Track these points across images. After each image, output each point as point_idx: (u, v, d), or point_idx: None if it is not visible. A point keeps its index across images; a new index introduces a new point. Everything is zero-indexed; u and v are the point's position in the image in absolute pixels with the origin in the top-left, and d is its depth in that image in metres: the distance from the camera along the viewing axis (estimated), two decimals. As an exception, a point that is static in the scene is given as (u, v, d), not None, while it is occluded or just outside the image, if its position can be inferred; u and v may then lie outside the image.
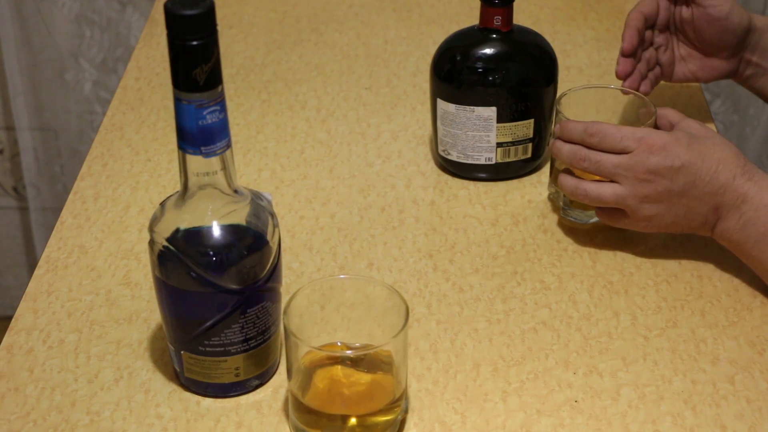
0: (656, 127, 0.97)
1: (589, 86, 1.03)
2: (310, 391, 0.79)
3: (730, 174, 0.89)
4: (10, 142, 1.96)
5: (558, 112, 0.99)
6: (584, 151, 0.93)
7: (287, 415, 0.81)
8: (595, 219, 1.00)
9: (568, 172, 0.97)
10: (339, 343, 0.82)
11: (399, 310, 0.77)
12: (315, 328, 0.81)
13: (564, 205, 1.02)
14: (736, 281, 0.95)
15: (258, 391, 0.84)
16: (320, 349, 0.79)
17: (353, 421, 0.78)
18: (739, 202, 0.89)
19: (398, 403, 0.79)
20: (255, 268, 0.79)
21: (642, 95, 1.01)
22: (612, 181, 0.92)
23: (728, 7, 1.03)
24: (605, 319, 0.91)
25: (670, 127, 0.95)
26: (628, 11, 1.07)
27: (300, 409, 0.79)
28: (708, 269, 0.96)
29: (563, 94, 1.01)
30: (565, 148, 0.95)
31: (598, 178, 0.94)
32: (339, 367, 0.80)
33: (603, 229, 1.01)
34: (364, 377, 0.79)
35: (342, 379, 0.79)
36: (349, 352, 0.81)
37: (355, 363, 0.79)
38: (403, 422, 0.81)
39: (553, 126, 1.09)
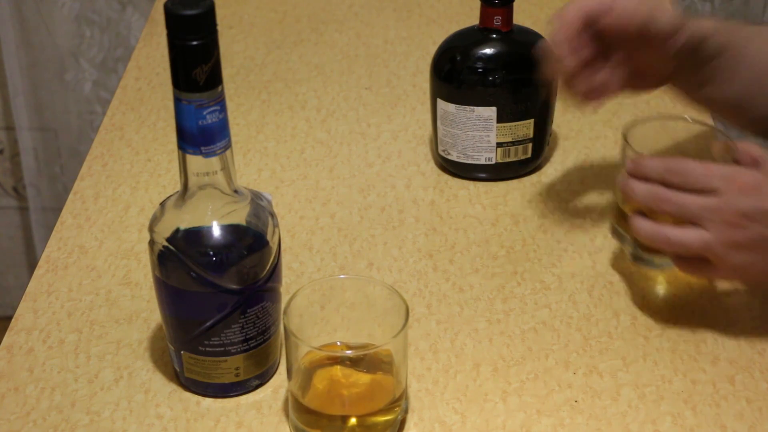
0: (736, 163, 0.85)
1: (656, 117, 0.94)
2: (310, 392, 0.79)
3: None
4: (10, 142, 1.96)
5: (626, 145, 0.90)
6: (665, 192, 0.82)
7: (287, 415, 0.81)
8: (668, 262, 0.88)
9: (641, 214, 0.86)
10: (339, 343, 0.82)
11: (399, 310, 0.77)
12: (315, 328, 0.81)
13: (634, 250, 0.94)
14: (737, 281, 0.95)
15: (258, 391, 0.84)
16: (320, 349, 0.79)
17: (353, 421, 0.78)
18: None
19: (398, 403, 0.79)
20: (255, 268, 0.79)
21: (718, 127, 0.91)
22: (696, 225, 0.81)
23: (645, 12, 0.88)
24: (605, 319, 0.91)
25: (753, 164, 0.83)
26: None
27: (300, 409, 0.79)
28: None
29: (630, 126, 0.92)
30: (642, 188, 0.83)
31: (673, 220, 0.84)
32: (339, 367, 0.80)
33: (603, 229, 1.01)
34: (363, 377, 0.79)
35: (342, 380, 0.79)
36: (348, 352, 0.81)
37: (355, 363, 0.79)
38: (403, 422, 0.81)
39: (549, 126, 1.09)
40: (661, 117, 0.95)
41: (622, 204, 0.93)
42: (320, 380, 0.79)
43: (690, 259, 0.84)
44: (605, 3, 0.89)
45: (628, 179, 0.85)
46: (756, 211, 0.79)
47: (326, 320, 0.81)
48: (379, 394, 0.79)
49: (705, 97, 0.94)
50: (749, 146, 0.84)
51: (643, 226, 0.84)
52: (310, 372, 0.79)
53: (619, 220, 0.94)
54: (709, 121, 0.91)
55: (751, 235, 0.80)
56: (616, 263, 0.97)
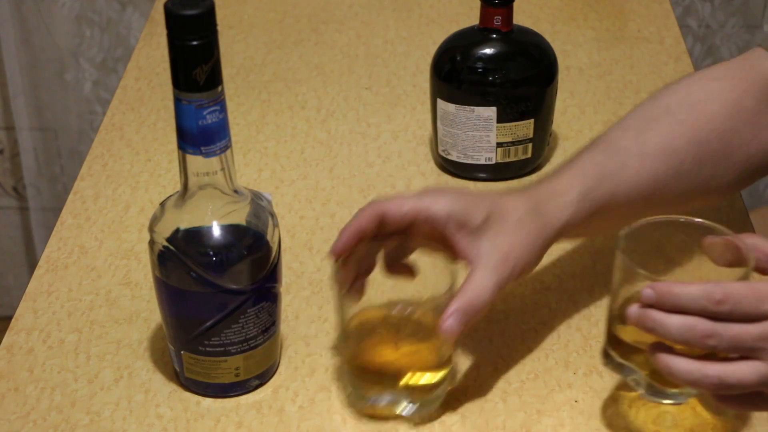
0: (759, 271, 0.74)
1: (652, 220, 0.77)
2: (362, 350, 0.81)
3: None
4: (10, 142, 1.96)
5: (626, 268, 0.73)
6: (708, 325, 0.67)
7: (340, 378, 0.81)
8: (695, 393, 0.77)
9: (664, 347, 0.70)
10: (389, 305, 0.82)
11: (445, 273, 0.78)
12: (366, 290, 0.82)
13: (648, 386, 0.76)
14: (736, 281, 0.95)
15: (258, 391, 0.84)
16: (373, 308, 0.80)
17: (405, 380, 0.80)
18: None
19: (447, 364, 0.81)
20: (255, 268, 0.79)
21: (722, 227, 0.75)
22: (749, 357, 0.68)
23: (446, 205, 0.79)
24: (605, 319, 0.91)
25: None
26: (628, 11, 1.07)
27: (353, 369, 0.81)
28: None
29: (625, 234, 0.75)
30: (676, 323, 0.68)
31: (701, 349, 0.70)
32: (389, 326, 0.81)
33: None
34: (414, 338, 0.80)
35: (393, 339, 0.80)
36: (398, 307, 0.81)
37: (405, 323, 0.80)
38: (449, 382, 0.83)
39: (549, 126, 1.09)
40: (657, 219, 0.77)
41: (621, 330, 0.75)
42: (372, 339, 0.81)
43: (739, 396, 0.70)
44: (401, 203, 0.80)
45: (650, 311, 0.69)
46: None
47: (376, 282, 0.81)
48: (429, 355, 0.80)
49: (588, 236, 0.95)
50: (759, 242, 0.72)
51: (681, 366, 0.68)
52: (361, 332, 0.80)
53: (617, 347, 0.76)
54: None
55: None
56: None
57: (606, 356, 0.77)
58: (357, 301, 0.81)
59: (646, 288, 0.69)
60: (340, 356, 0.85)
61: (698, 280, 0.73)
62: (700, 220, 0.76)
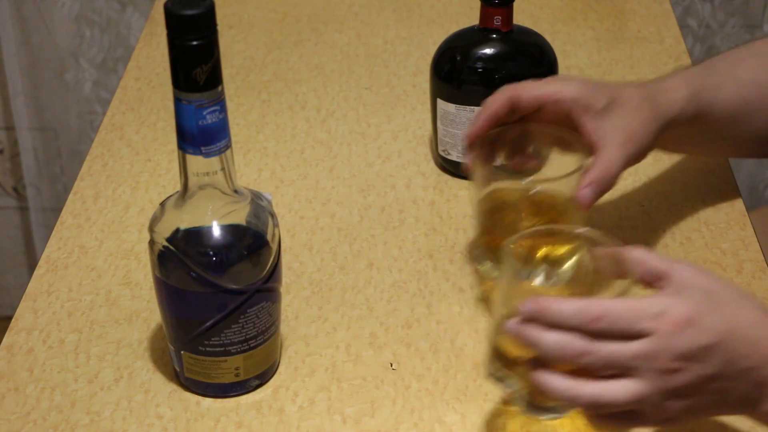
0: (642, 283, 0.73)
1: (538, 229, 0.78)
2: (497, 228, 0.88)
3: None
4: (10, 142, 1.96)
5: (509, 279, 0.72)
6: (583, 343, 0.66)
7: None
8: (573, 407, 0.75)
9: (542, 363, 0.69)
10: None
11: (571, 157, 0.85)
12: None
13: (528, 403, 0.75)
14: (736, 281, 0.95)
15: (258, 391, 0.84)
16: (503, 189, 0.88)
17: (539, 254, 0.80)
18: None
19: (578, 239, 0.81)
20: (255, 268, 0.79)
21: (609, 238, 0.75)
22: (625, 376, 0.67)
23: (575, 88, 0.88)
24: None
25: (653, 278, 0.71)
26: (628, 11, 1.07)
27: (485, 247, 0.88)
28: (708, 269, 0.96)
29: (511, 243, 0.74)
30: (552, 340, 0.67)
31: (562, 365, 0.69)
32: (522, 204, 0.88)
33: (603, 228, 1.01)
34: (546, 215, 0.87)
35: (526, 217, 0.88)
36: (530, 184, 0.88)
37: (538, 201, 0.88)
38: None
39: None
40: (538, 228, 0.79)
41: (503, 343, 0.73)
42: (507, 218, 0.89)
43: (613, 414, 0.69)
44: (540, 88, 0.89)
45: (528, 326, 0.68)
46: (694, 351, 0.67)
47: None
48: (560, 233, 0.81)
49: (682, 150, 1.03)
50: (643, 256, 0.71)
51: (557, 384, 0.68)
52: (496, 211, 0.89)
53: (499, 361, 0.74)
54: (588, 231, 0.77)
55: (689, 378, 0.67)
56: (616, 263, 0.97)
57: (489, 368, 0.76)
58: (488, 183, 0.88)
59: (525, 303, 0.68)
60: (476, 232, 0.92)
61: (586, 291, 0.74)
62: (587, 229, 0.76)
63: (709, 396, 0.68)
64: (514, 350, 0.71)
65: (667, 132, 0.91)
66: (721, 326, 0.67)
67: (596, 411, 0.69)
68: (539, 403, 0.74)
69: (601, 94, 0.88)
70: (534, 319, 0.67)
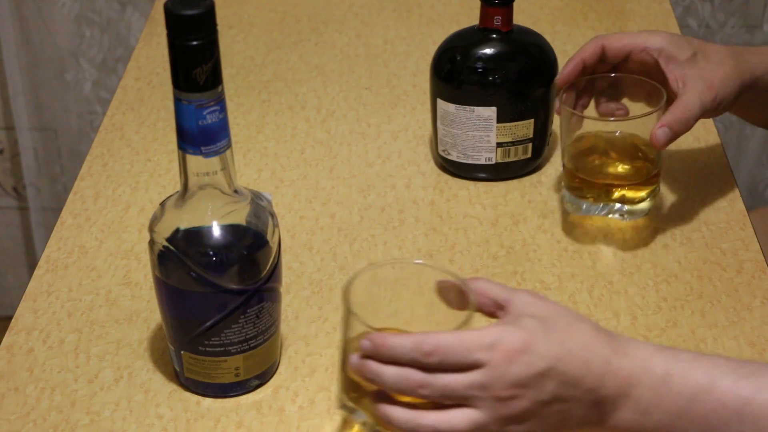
0: (480, 311, 0.75)
1: (380, 264, 0.78)
2: (582, 168, 0.98)
3: (601, 359, 0.70)
4: (10, 142, 1.96)
5: (350, 315, 0.72)
6: (420, 375, 0.68)
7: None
8: None
9: (385, 395, 0.71)
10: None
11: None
12: None
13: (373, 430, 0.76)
14: (736, 281, 0.95)
15: (258, 391, 0.84)
16: (590, 134, 0.98)
17: (618, 192, 0.97)
18: (626, 388, 0.70)
19: (654, 180, 0.98)
20: (255, 268, 0.79)
21: (452, 271, 0.77)
22: (463, 405, 0.69)
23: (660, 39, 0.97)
24: (605, 319, 0.91)
25: (495, 307, 0.73)
26: (628, 11, 1.07)
27: (575, 183, 0.98)
28: (708, 269, 0.96)
29: (350, 282, 0.74)
30: (391, 374, 0.69)
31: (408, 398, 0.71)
32: (606, 146, 0.99)
33: (603, 229, 1.01)
34: (628, 156, 0.99)
35: (609, 158, 0.99)
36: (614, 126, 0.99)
37: (619, 143, 0.98)
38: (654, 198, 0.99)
39: (549, 126, 1.09)
40: (388, 263, 0.80)
41: (352, 375, 0.74)
42: (591, 160, 0.99)
43: None
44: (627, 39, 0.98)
45: (368, 362, 0.70)
46: (528, 378, 0.68)
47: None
48: (640, 171, 0.98)
49: (763, 118, 1.06)
50: (484, 285, 0.74)
51: (398, 415, 0.70)
52: (581, 153, 0.99)
53: (349, 393, 0.75)
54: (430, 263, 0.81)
55: (526, 404, 0.69)
56: (616, 263, 0.97)
57: (340, 399, 0.77)
58: (577, 128, 0.97)
59: (364, 339, 0.70)
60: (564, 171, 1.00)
61: (432, 324, 0.76)
62: (431, 264, 0.80)
63: (549, 419, 0.70)
64: (361, 382, 0.73)
65: (751, 93, 0.98)
66: (553, 351, 0.69)
67: None
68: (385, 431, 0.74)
69: (686, 45, 0.96)
70: (373, 355, 0.70)
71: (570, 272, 0.96)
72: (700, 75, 0.95)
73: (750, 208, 1.06)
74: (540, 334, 0.69)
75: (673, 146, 0.97)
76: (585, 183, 0.98)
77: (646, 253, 0.98)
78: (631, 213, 0.99)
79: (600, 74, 0.99)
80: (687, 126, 0.94)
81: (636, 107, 0.99)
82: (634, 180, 0.98)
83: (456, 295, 0.75)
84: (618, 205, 0.98)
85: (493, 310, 0.73)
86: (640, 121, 0.96)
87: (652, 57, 0.97)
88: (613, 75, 1.00)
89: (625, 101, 1.01)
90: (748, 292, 0.94)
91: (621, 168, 0.99)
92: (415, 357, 0.68)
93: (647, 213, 1.00)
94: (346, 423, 0.81)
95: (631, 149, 0.99)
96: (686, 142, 0.99)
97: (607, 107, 1.01)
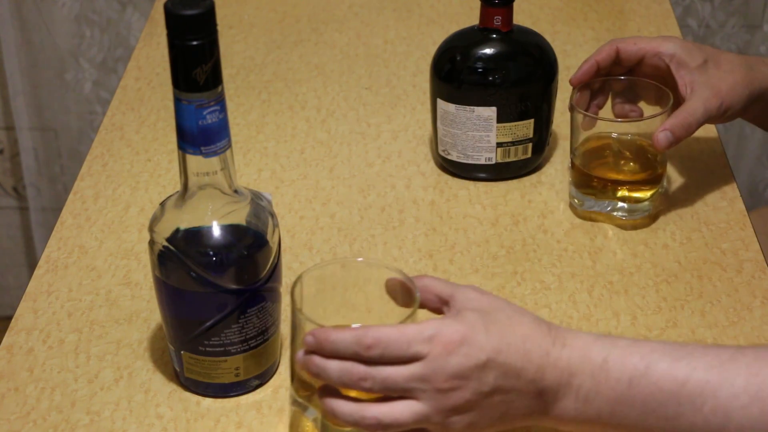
0: (423, 306, 0.76)
1: (327, 263, 0.79)
2: (589, 167, 1.01)
3: (541, 350, 0.71)
4: (10, 142, 1.96)
5: (296, 313, 0.74)
6: (362, 369, 0.70)
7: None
8: None
9: (331, 390, 0.73)
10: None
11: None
12: None
13: (323, 425, 0.76)
14: (736, 281, 0.95)
15: (258, 391, 0.84)
16: (599, 135, 1.01)
17: (622, 191, 1.00)
18: (566, 377, 0.71)
19: (657, 181, 1.00)
20: (255, 268, 0.79)
21: (399, 269, 0.77)
22: (406, 398, 0.71)
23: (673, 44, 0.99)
24: (605, 319, 0.91)
25: (441, 303, 0.75)
26: (628, 11, 1.07)
27: (581, 179, 1.01)
28: (708, 269, 0.97)
29: (297, 282, 0.75)
30: (334, 368, 0.71)
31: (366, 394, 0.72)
32: (612, 147, 1.01)
33: (603, 229, 1.01)
34: (632, 158, 1.01)
35: (615, 158, 1.01)
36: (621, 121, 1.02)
37: (625, 146, 1.01)
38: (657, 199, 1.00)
39: (549, 126, 1.09)
40: (331, 262, 0.80)
41: (300, 371, 0.75)
42: (598, 159, 1.01)
43: None
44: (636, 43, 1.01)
45: (313, 357, 0.71)
46: (467, 369, 0.70)
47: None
48: (644, 172, 1.00)
49: None
50: (430, 282, 0.75)
51: (343, 408, 0.71)
52: (590, 153, 1.01)
53: (299, 389, 0.77)
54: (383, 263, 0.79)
55: (467, 395, 0.70)
56: (616, 263, 0.97)
57: (292, 394, 0.78)
58: (590, 126, 1.00)
59: (308, 335, 0.72)
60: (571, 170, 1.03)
61: (379, 320, 0.77)
62: (377, 261, 0.82)
63: (492, 409, 0.71)
64: (310, 379, 0.75)
65: (763, 104, 1.00)
66: (492, 343, 0.70)
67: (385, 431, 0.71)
68: (334, 427, 0.75)
69: (698, 52, 0.99)
70: (317, 350, 0.71)
71: (570, 272, 0.96)
72: (708, 82, 0.97)
73: (750, 208, 1.06)
74: (480, 326, 0.71)
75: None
76: (590, 179, 1.01)
77: (646, 253, 0.98)
78: (632, 211, 1.01)
79: (612, 76, 1.02)
80: (688, 131, 0.96)
81: (649, 109, 1.02)
82: (638, 179, 1.01)
83: (402, 292, 0.76)
84: (621, 204, 1.00)
85: (439, 306, 0.75)
86: (645, 123, 0.99)
87: (664, 62, 0.99)
88: (624, 78, 1.02)
89: (641, 104, 1.03)
90: (748, 292, 0.94)
91: (626, 167, 1.01)
92: (356, 350, 0.70)
93: (648, 212, 1.01)
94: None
95: (637, 150, 1.01)
96: (686, 142, 0.99)
97: (621, 108, 1.03)
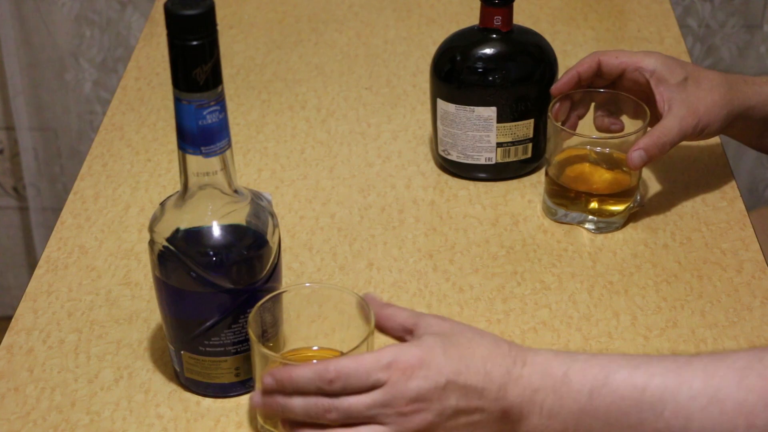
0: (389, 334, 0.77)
1: (280, 291, 0.80)
2: (563, 177, 1.00)
3: (502, 369, 0.72)
4: (10, 142, 1.96)
5: (254, 343, 0.76)
6: (326, 401, 0.71)
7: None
8: None
9: (293, 421, 0.74)
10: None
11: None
12: None
13: None
14: (736, 281, 0.95)
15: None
16: (576, 147, 1.01)
17: (594, 203, 0.99)
18: (529, 394, 0.71)
19: (629, 195, 0.99)
20: (255, 268, 0.79)
21: (347, 289, 0.79)
22: (368, 423, 0.72)
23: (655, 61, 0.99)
24: (605, 319, 0.91)
25: (404, 332, 0.76)
26: (628, 11, 1.07)
27: (553, 189, 1.01)
28: (708, 269, 0.97)
29: (252, 313, 0.77)
30: (297, 404, 0.72)
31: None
32: (587, 164, 1.01)
33: (603, 229, 1.01)
34: (606, 171, 1.01)
35: (589, 170, 1.01)
36: (596, 138, 1.01)
37: (601, 159, 1.00)
38: (634, 215, 1.01)
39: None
40: (310, 285, 0.83)
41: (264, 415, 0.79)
42: (573, 170, 1.01)
43: None
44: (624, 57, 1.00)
45: (274, 397, 0.73)
46: (426, 391, 0.71)
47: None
48: (616, 185, 1.00)
49: (763, 145, 1.05)
50: (394, 312, 0.76)
51: None
52: (564, 164, 1.01)
53: (266, 419, 0.80)
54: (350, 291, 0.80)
55: (429, 417, 0.71)
56: (616, 263, 0.97)
57: (259, 424, 0.80)
58: (568, 136, 0.99)
59: (266, 376, 0.73)
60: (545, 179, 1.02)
61: (334, 342, 0.81)
62: (328, 284, 0.86)
63: (459, 430, 0.72)
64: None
65: (745, 122, 0.99)
66: (452, 366, 0.71)
67: None
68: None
69: (679, 69, 0.98)
70: (278, 389, 0.72)
71: (570, 272, 0.96)
72: (687, 100, 0.97)
73: (750, 208, 1.06)
74: (438, 349, 0.72)
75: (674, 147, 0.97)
76: (562, 190, 1.01)
77: (646, 253, 0.98)
78: (603, 225, 1.01)
79: (593, 88, 1.02)
80: (662, 150, 0.96)
81: (630, 123, 1.02)
82: (609, 192, 1.00)
83: (364, 315, 0.77)
84: (591, 216, 1.01)
85: (402, 336, 0.76)
86: (619, 140, 0.99)
87: (644, 77, 0.99)
88: (603, 90, 1.02)
89: (624, 117, 1.02)
90: (748, 292, 0.94)
91: (599, 180, 1.01)
92: (318, 385, 0.71)
93: (619, 227, 1.01)
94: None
95: (611, 163, 1.01)
96: (686, 142, 0.99)
97: (602, 121, 1.03)
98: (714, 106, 0.97)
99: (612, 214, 1.00)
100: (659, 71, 0.98)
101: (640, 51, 1.01)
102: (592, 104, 1.03)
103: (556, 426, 0.71)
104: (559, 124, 1.00)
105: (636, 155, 0.95)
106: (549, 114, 1.00)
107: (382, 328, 0.77)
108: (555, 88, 1.01)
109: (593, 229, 1.00)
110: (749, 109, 0.99)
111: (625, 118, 1.02)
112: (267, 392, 0.73)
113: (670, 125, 0.96)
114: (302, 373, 0.71)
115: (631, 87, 1.01)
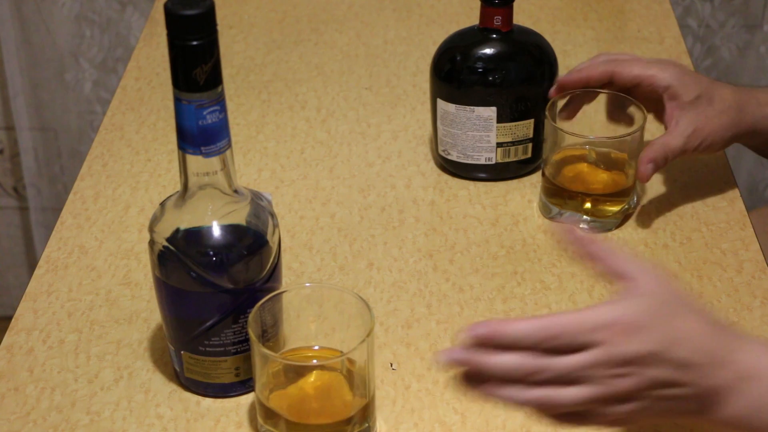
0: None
1: (280, 291, 0.80)
2: (560, 176, 1.01)
3: (716, 348, 0.69)
4: (10, 142, 1.96)
5: (254, 343, 0.76)
6: (541, 361, 0.67)
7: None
8: None
9: (474, 377, 0.69)
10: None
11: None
12: None
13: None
14: (736, 281, 0.95)
15: (258, 391, 0.84)
16: (573, 147, 1.01)
17: (589, 203, 1.00)
18: (738, 382, 0.69)
19: (625, 196, 1.00)
20: (255, 268, 0.79)
21: (346, 289, 0.80)
22: (576, 384, 0.68)
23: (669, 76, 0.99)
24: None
25: (618, 278, 0.71)
26: (628, 11, 1.07)
27: (549, 188, 1.01)
28: (708, 269, 0.97)
29: (252, 313, 0.77)
30: (511, 361, 0.67)
31: None
32: (585, 164, 1.02)
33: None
34: (603, 173, 1.02)
35: (586, 170, 1.02)
36: (593, 138, 1.01)
37: (597, 160, 1.01)
38: (629, 216, 1.01)
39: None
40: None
41: (271, 401, 0.78)
42: (569, 170, 1.02)
43: (561, 414, 0.70)
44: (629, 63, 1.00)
45: (475, 353, 0.68)
46: (643, 356, 0.68)
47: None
48: (612, 185, 1.01)
49: None
50: (611, 253, 0.72)
51: (504, 394, 0.68)
52: (561, 164, 1.02)
53: (267, 419, 0.79)
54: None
55: (639, 381, 0.68)
56: (616, 263, 0.97)
57: (259, 425, 0.80)
58: (563, 137, 0.99)
59: (476, 326, 0.68)
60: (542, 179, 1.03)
61: (340, 343, 0.81)
62: (328, 284, 0.87)
63: (658, 402, 0.69)
64: (278, 409, 0.77)
65: (750, 138, 1.02)
66: (670, 334, 0.68)
67: (543, 411, 0.70)
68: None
69: (693, 86, 0.98)
70: (485, 342, 0.67)
71: (570, 272, 0.96)
72: (695, 120, 0.98)
73: (750, 208, 1.06)
74: (657, 314, 0.68)
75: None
76: (558, 189, 1.01)
77: (646, 253, 0.98)
78: (597, 225, 1.01)
79: (611, 92, 1.01)
80: (667, 162, 0.99)
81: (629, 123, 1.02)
82: (605, 192, 1.01)
83: (576, 245, 0.73)
84: (585, 216, 1.01)
85: (614, 278, 0.71)
86: (617, 140, 1.00)
87: (657, 92, 0.99)
88: (603, 90, 1.01)
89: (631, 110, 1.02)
90: (748, 292, 0.94)
91: (595, 180, 1.02)
92: (538, 341, 0.67)
93: (612, 229, 1.01)
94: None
95: (608, 163, 1.02)
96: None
97: (613, 115, 1.03)
98: (720, 129, 0.98)
99: (607, 214, 1.01)
100: (673, 87, 0.98)
101: (654, 62, 1.00)
102: (591, 103, 1.03)
103: (757, 423, 0.69)
104: (556, 124, 1.00)
105: (646, 168, 0.97)
106: (546, 114, 1.00)
107: (597, 259, 0.72)
108: (560, 82, 1.02)
109: (587, 229, 1.01)
110: (755, 132, 1.01)
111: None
112: (473, 345, 0.68)
113: (674, 142, 0.98)
114: (524, 327, 0.67)
115: (644, 97, 1.00)
